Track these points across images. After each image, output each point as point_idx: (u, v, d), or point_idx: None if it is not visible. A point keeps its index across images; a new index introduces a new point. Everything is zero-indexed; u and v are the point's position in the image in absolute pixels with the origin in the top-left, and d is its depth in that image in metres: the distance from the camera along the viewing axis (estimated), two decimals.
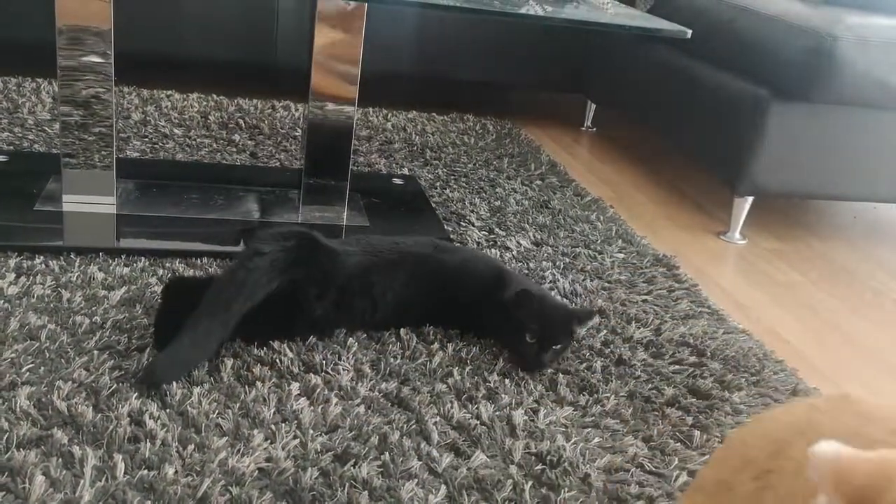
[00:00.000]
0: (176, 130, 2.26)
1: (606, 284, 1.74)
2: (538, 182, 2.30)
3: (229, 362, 1.23)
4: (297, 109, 2.61)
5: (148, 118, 2.33)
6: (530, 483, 1.09)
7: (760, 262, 2.11)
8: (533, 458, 1.15)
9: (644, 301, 1.69)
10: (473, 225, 1.93)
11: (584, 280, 1.73)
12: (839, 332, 1.77)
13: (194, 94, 2.58)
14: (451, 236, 1.83)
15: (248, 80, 2.79)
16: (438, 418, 1.20)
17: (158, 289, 1.42)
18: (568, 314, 1.43)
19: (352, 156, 1.81)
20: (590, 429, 1.23)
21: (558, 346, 1.37)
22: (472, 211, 2.01)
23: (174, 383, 1.16)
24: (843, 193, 2.32)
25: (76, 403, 1.10)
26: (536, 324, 1.36)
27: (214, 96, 2.59)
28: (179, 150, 2.13)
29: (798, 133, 2.12)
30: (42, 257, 1.47)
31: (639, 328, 1.56)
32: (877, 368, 1.65)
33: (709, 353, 1.50)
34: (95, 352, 1.22)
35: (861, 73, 2.00)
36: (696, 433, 1.25)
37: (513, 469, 1.11)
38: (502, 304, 1.41)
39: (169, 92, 2.56)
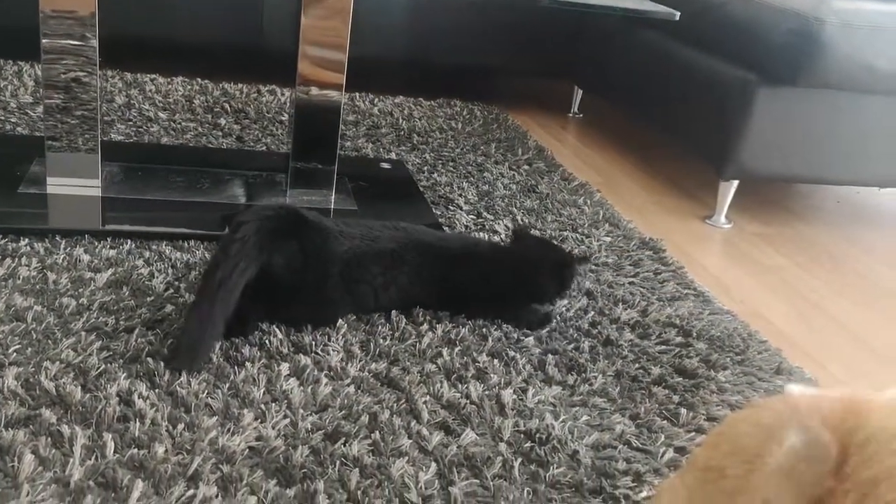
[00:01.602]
0: (160, 114, 2.25)
1: (594, 267, 1.75)
2: (525, 167, 2.30)
3: (217, 343, 1.23)
4: (283, 94, 2.60)
5: (132, 102, 2.31)
6: (520, 460, 1.10)
7: (745, 245, 2.12)
8: (522, 435, 1.15)
9: (631, 283, 1.70)
10: (461, 209, 1.93)
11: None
12: (823, 314, 1.79)
13: (179, 78, 2.56)
14: (440, 220, 1.83)
15: (233, 65, 2.77)
16: (428, 398, 1.20)
17: (145, 271, 1.41)
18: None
19: (339, 140, 1.81)
20: (578, 407, 1.24)
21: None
22: (461, 195, 2.01)
23: (161, 364, 1.16)
24: (829, 177, 2.34)
25: (64, 384, 1.09)
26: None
27: (199, 80, 2.57)
28: (164, 134, 2.12)
29: (784, 117, 2.13)
30: (27, 240, 1.46)
31: (626, 309, 1.57)
32: (859, 349, 1.67)
33: (694, 334, 1.51)
34: (83, 333, 1.21)
35: (846, 56, 2.01)
36: (683, 411, 1.26)
37: (502, 447, 1.12)
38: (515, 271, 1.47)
39: (153, 76, 2.54)
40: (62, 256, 1.42)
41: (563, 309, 1.53)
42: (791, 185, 2.72)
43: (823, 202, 2.64)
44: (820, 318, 1.76)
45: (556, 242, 1.77)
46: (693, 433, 1.22)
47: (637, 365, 1.38)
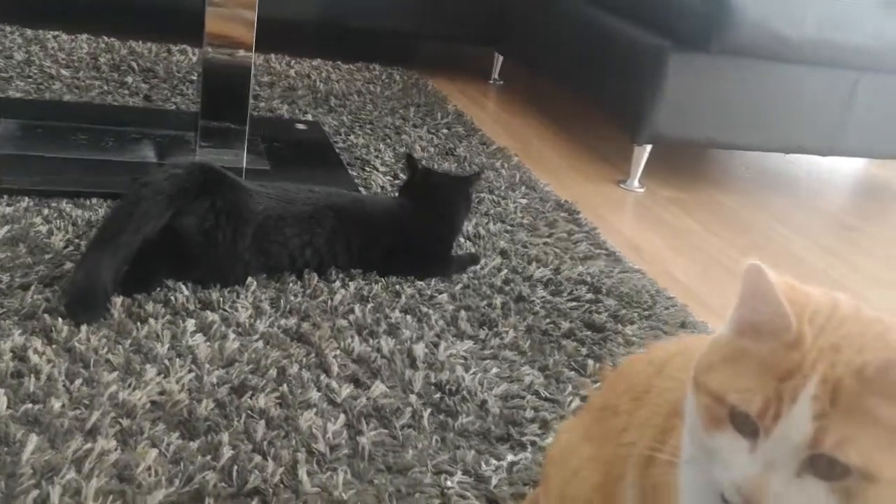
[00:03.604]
0: (63, 72, 2.15)
1: (509, 228, 1.76)
2: (444, 131, 2.30)
3: (118, 300, 1.19)
4: (194, 53, 2.51)
5: (32, 58, 2.20)
6: (429, 410, 1.10)
7: (658, 208, 2.18)
8: (432, 387, 1.16)
9: (545, 243, 1.72)
10: (378, 170, 1.91)
11: (487, 223, 1.75)
12: (729, 273, 1.85)
13: (83, 36, 2.45)
14: (356, 181, 1.81)
15: (141, 23, 2.66)
16: (338, 352, 1.19)
17: (44, 228, 1.36)
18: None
19: (252, 100, 1.77)
20: (488, 360, 1.26)
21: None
22: (377, 157, 1.99)
23: (59, 319, 1.11)
24: (738, 143, 2.41)
25: None
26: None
27: (105, 38, 2.47)
28: (67, 92, 2.03)
29: (696, 83, 2.18)
30: None
31: (539, 268, 1.59)
32: None
33: (604, 291, 1.54)
34: None
35: (755, 24, 2.07)
36: (590, 362, 1.29)
37: (412, 398, 1.12)
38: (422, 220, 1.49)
39: (56, 32, 2.42)
40: None
41: (478, 267, 1.54)
42: (703, 152, 2.79)
43: (734, 169, 2.73)
44: (726, 277, 1.82)
45: (442, 170, 1.83)
46: (599, 383, 1.24)
47: (548, 320, 1.41)
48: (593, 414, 0.80)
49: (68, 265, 1.26)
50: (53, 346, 1.07)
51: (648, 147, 2.23)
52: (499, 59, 3.07)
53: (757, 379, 0.51)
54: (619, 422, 0.75)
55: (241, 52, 1.69)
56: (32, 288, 1.18)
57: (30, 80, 2.06)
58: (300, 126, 2.09)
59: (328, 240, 1.39)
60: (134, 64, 2.31)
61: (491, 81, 3.09)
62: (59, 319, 1.12)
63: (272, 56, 2.65)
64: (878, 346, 0.50)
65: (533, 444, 1.08)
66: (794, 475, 0.49)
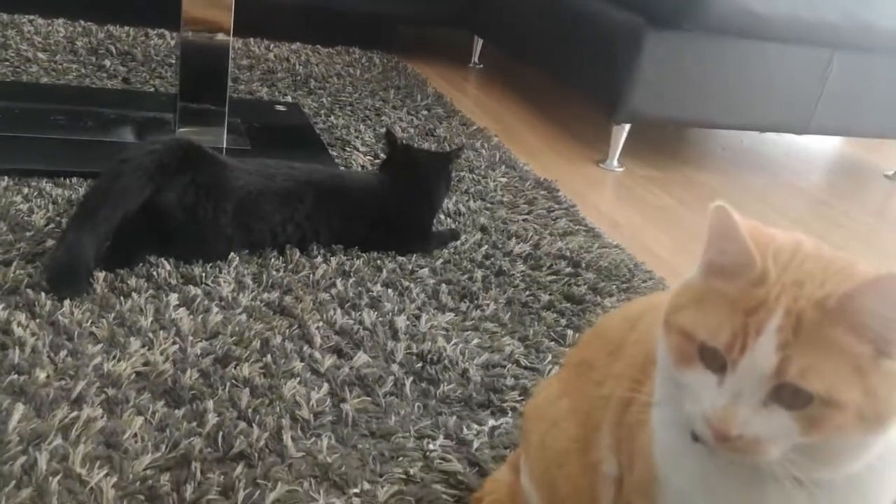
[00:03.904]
0: (40, 55, 2.14)
1: (489, 205, 1.78)
2: (424, 112, 2.31)
3: (101, 275, 1.20)
4: (172, 38, 2.51)
5: (8, 42, 2.18)
6: (411, 379, 1.12)
7: (636, 187, 2.20)
8: (414, 357, 1.18)
9: (525, 220, 1.74)
10: (358, 150, 1.92)
11: (467, 201, 1.77)
12: None
13: (60, 20, 2.43)
14: (336, 161, 1.82)
15: (119, 7, 2.65)
16: (321, 324, 1.21)
17: (24, 206, 1.36)
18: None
19: (232, 83, 1.77)
20: (469, 331, 1.28)
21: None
22: (357, 137, 2.00)
23: (42, 294, 1.12)
24: (714, 121, 2.44)
25: None
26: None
27: (82, 22, 2.45)
28: (44, 75, 2.02)
29: (671, 61, 2.20)
30: None
31: (519, 243, 1.61)
32: None
33: (584, 265, 1.57)
34: None
35: (729, 1, 2.09)
36: (570, 332, 1.31)
37: (394, 367, 1.14)
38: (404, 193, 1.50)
39: (32, 17, 2.41)
40: None
41: (458, 243, 1.56)
42: (681, 132, 2.82)
43: (710, 148, 2.76)
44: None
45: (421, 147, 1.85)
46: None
47: (528, 293, 1.43)
48: (571, 369, 0.82)
49: (50, 242, 1.26)
50: (37, 320, 1.08)
51: (626, 126, 2.26)
52: (478, 43, 3.08)
53: (725, 315, 0.53)
54: (595, 375, 0.77)
55: (220, 36, 1.70)
56: (14, 264, 1.19)
57: (6, 63, 2.05)
58: (280, 108, 2.09)
59: (309, 215, 1.40)
60: (112, 47, 2.30)
61: (471, 65, 3.10)
62: (43, 294, 1.13)
63: (251, 40, 2.65)
64: (839, 279, 0.53)
65: (514, 409, 1.10)
66: (761, 405, 0.51)
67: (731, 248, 0.54)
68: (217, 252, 1.32)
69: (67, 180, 1.48)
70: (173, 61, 2.30)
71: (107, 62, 2.19)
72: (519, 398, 1.13)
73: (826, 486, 0.55)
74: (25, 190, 1.42)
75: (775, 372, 0.51)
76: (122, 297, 1.17)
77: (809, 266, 0.54)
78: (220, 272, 1.29)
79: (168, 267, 1.26)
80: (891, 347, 0.51)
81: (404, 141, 1.82)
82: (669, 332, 0.57)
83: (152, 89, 2.08)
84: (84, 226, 1.16)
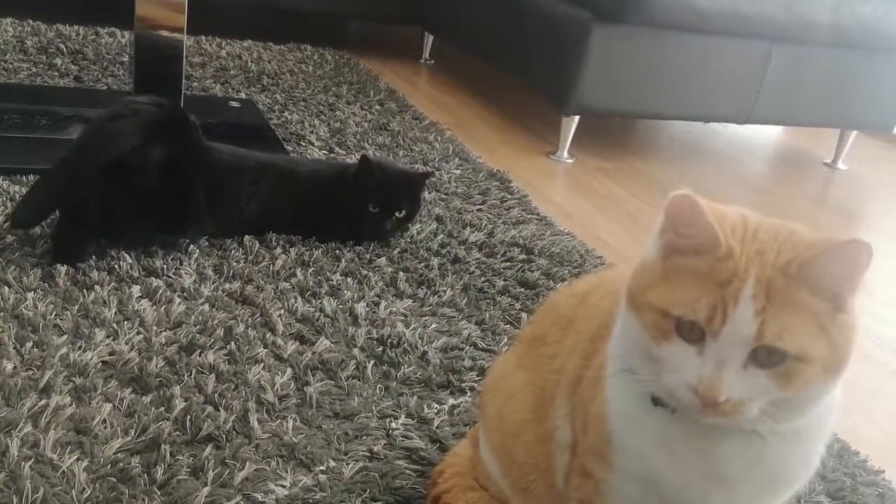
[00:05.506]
0: None
1: (444, 196, 1.82)
2: (377, 107, 2.34)
3: (62, 269, 1.21)
4: (123, 35, 2.50)
5: None
6: (372, 362, 1.16)
7: (587, 178, 2.27)
8: (374, 342, 1.22)
9: (479, 210, 1.79)
10: (314, 145, 1.95)
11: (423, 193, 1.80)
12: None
13: (7, 20, 2.41)
14: (292, 155, 1.84)
15: (67, 6, 2.63)
16: (283, 312, 1.24)
17: None
18: (409, 177, 1.57)
19: (185, 80, 1.78)
20: (427, 317, 1.32)
21: (402, 213, 1.49)
22: (312, 132, 2.03)
23: (5, 288, 1.13)
24: (660, 112, 2.52)
25: None
26: (378, 190, 1.47)
27: (31, 22, 2.43)
28: None
29: (619, 54, 2.27)
30: None
31: (473, 232, 1.65)
32: None
33: (536, 252, 1.62)
34: None
35: None
36: (524, 315, 1.36)
37: (356, 352, 1.18)
38: (347, 185, 1.50)
39: None
40: None
41: (415, 232, 1.60)
42: (629, 124, 2.90)
43: (658, 140, 2.84)
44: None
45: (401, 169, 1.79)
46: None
47: (483, 279, 1.47)
48: (525, 344, 0.87)
49: (10, 238, 1.27)
50: (1, 314, 1.09)
51: (576, 118, 2.32)
52: (429, 39, 3.12)
53: (698, 290, 0.58)
54: (548, 350, 0.82)
55: (174, 35, 1.71)
56: None
57: None
58: (234, 104, 2.11)
59: (272, 192, 1.44)
60: (62, 46, 2.29)
61: (422, 61, 3.14)
62: (6, 288, 1.14)
63: (202, 38, 2.65)
64: (790, 245, 0.58)
65: (472, 389, 1.15)
66: (741, 369, 0.57)
67: (694, 231, 0.59)
68: (188, 219, 1.34)
69: (24, 178, 1.49)
70: (125, 59, 2.30)
71: (58, 61, 2.18)
72: (477, 378, 1.17)
73: (780, 434, 0.61)
74: None
75: (755, 336, 0.56)
76: (84, 290, 1.18)
77: (762, 236, 0.59)
78: (181, 264, 1.31)
79: (129, 259, 1.28)
80: (844, 302, 0.57)
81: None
82: (641, 311, 0.61)
83: (105, 87, 2.08)
84: (72, 161, 1.22)
